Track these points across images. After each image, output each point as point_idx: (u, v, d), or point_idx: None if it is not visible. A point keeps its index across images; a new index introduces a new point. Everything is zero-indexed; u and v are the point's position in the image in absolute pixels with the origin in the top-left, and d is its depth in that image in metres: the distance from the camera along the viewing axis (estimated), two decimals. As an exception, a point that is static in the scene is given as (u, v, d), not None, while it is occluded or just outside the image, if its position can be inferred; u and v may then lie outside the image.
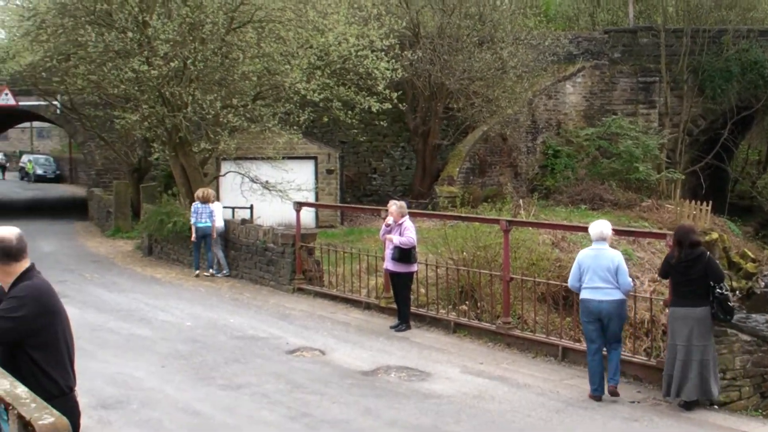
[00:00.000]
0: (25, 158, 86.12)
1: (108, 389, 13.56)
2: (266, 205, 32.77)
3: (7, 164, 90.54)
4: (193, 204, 25.75)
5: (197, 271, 25.53)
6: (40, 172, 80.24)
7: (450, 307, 19.35)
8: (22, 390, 4.99)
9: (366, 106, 30.20)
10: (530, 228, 22.93)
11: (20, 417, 4.63)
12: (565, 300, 18.95)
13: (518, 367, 15.27)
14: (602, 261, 13.35)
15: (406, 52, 34.46)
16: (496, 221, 18.55)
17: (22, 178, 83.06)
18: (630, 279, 13.57)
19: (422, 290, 19.97)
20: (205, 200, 25.35)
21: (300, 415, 12.34)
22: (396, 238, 17.80)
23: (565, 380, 14.36)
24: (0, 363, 6.78)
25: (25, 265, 7.10)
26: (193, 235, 25.58)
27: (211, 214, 25.33)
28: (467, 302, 19.21)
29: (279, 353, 16.31)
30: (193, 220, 25.44)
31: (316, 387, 13.85)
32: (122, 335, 17.91)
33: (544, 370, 15.01)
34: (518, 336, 16.72)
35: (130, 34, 26.26)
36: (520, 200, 35.74)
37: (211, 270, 25.65)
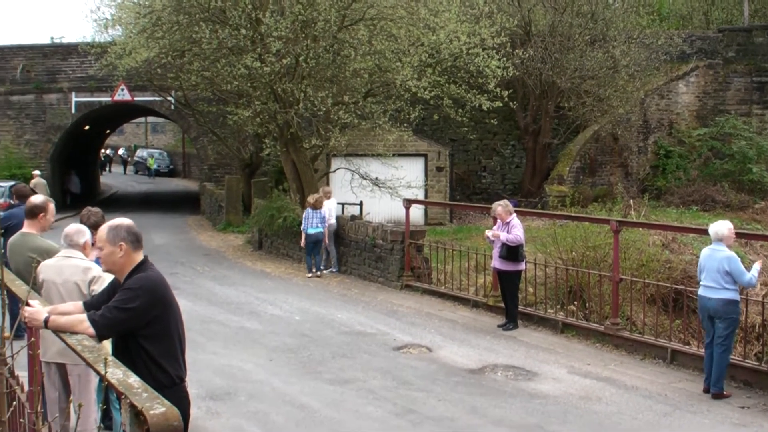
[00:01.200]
0: (142, 153, 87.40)
1: (217, 381, 13.79)
2: (375, 202, 32.98)
3: (129, 158, 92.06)
4: (305, 210, 25.71)
5: (309, 274, 25.38)
6: (154, 166, 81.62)
7: (558, 306, 19.23)
8: (134, 380, 5.08)
9: (476, 104, 29.99)
10: (640, 229, 22.66)
11: (132, 406, 4.72)
12: (675, 302, 18.67)
13: (626, 368, 15.13)
14: (713, 262, 13.38)
15: (517, 51, 34.26)
16: (606, 221, 18.42)
17: (136, 172, 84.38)
18: (750, 276, 13.31)
19: (530, 289, 19.90)
20: (317, 207, 25.21)
21: (405, 412, 12.39)
22: (503, 235, 17.77)
23: (673, 383, 14.18)
24: (113, 353, 6.94)
25: (139, 257, 7.24)
26: (303, 241, 25.57)
27: (322, 220, 25.17)
28: (575, 302, 19.07)
29: (386, 349, 16.39)
30: (303, 226, 25.38)
31: (423, 384, 13.89)
32: (231, 328, 18.18)
33: (652, 373, 14.84)
34: (626, 337, 16.55)
35: (243, 31, 26.53)
36: (631, 200, 35.33)
37: (322, 269, 25.69)
